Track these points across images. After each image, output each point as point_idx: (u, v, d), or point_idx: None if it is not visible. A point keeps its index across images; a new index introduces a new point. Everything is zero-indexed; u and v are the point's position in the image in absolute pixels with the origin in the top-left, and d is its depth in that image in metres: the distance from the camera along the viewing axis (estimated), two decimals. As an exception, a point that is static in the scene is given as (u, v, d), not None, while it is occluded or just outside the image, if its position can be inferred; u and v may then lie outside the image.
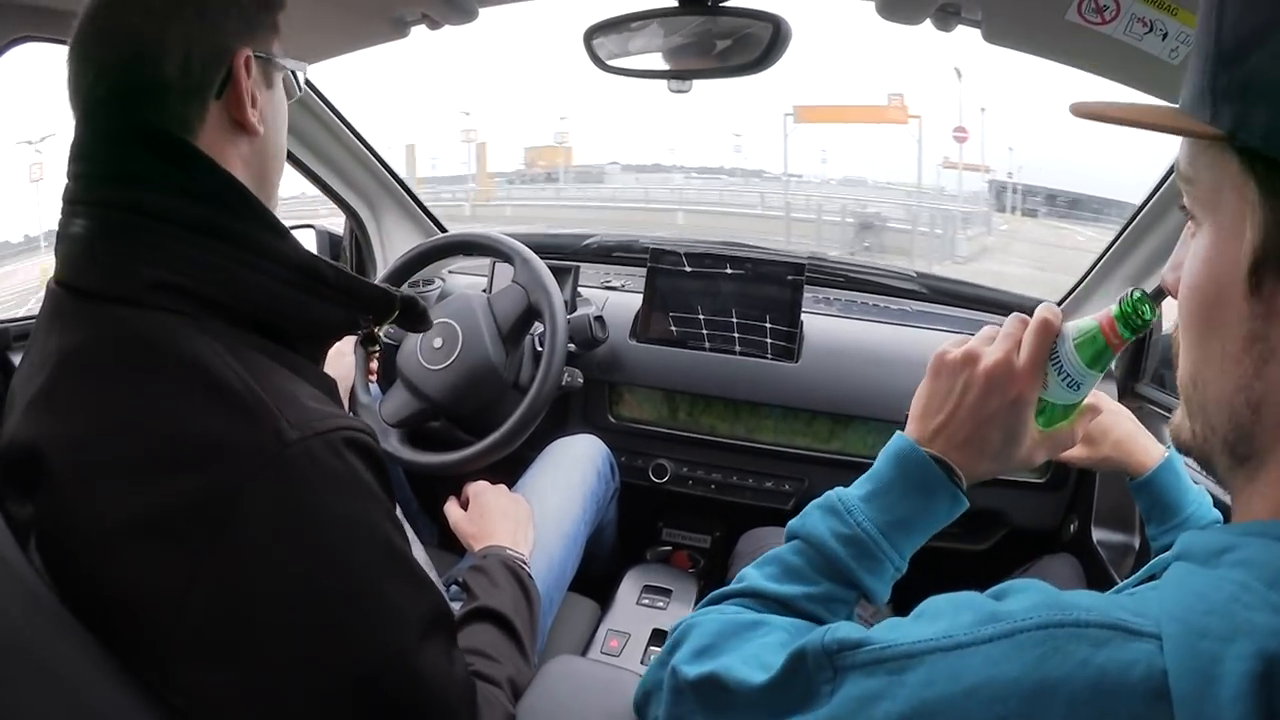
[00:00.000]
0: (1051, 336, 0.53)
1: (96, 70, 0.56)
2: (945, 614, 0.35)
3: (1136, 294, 0.51)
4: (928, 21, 0.90)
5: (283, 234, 0.58)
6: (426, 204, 1.65)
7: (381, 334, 0.68)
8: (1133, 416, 0.85)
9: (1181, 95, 0.36)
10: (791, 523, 0.57)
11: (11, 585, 0.45)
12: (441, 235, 1.32)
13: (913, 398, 0.58)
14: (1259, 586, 0.29)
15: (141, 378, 0.51)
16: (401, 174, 1.60)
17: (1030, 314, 0.54)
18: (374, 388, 1.29)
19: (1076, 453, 0.85)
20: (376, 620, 0.53)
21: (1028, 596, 0.33)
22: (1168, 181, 1.10)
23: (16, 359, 1.00)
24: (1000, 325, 0.56)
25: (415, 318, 0.69)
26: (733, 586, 0.56)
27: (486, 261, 1.44)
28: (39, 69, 0.95)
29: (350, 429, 0.54)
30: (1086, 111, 0.38)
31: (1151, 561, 0.61)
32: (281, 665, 0.49)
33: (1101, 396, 0.88)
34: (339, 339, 0.66)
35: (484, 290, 1.43)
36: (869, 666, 0.35)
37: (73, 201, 0.55)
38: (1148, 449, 0.82)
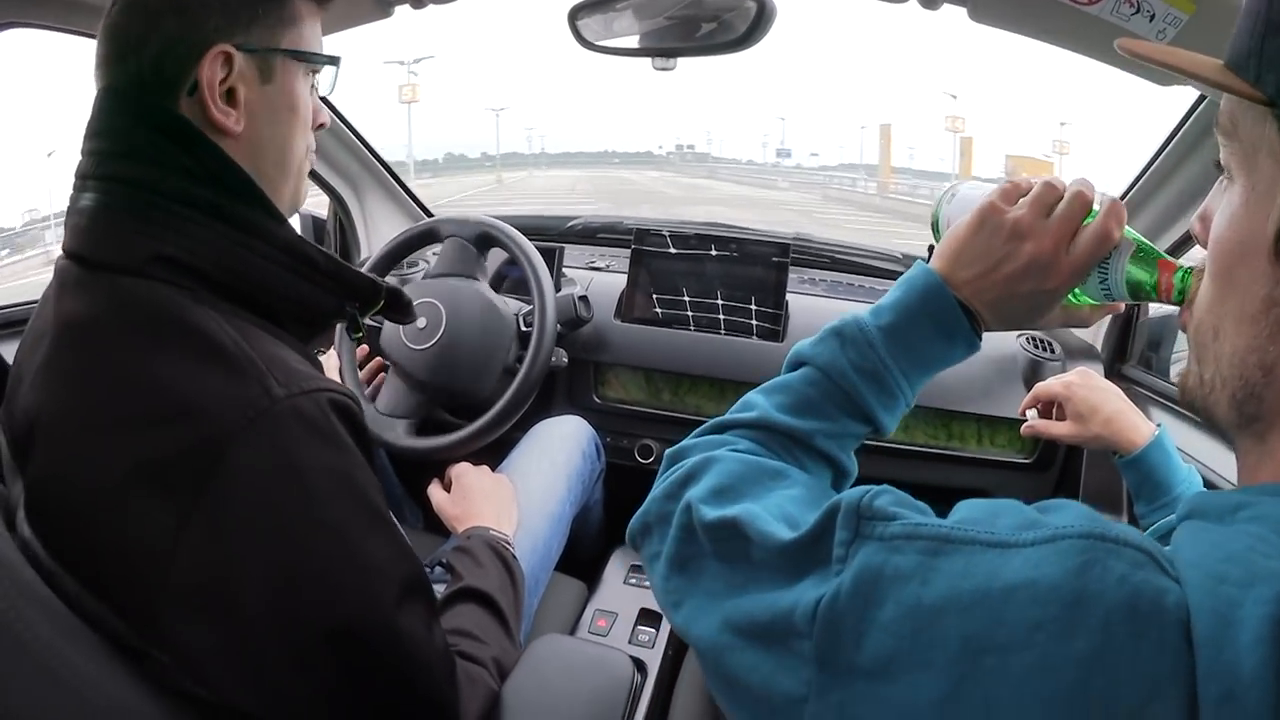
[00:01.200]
0: (1110, 247, 0.49)
1: (103, 58, 0.59)
2: (983, 514, 0.34)
3: (1191, 266, 0.48)
4: (913, 1, 0.90)
5: (279, 219, 0.61)
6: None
7: (365, 321, 0.69)
8: (1122, 394, 0.86)
9: (1227, 49, 0.35)
10: (800, 347, 0.53)
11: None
12: (428, 220, 1.31)
13: (946, 232, 0.55)
14: (1275, 538, 0.29)
15: (140, 341, 0.53)
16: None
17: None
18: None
19: (1066, 430, 0.87)
20: (356, 575, 0.54)
21: (1069, 512, 0.33)
22: (1187, 124, 1.05)
23: (3, 349, 1.02)
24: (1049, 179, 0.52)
25: (400, 309, 0.71)
26: (739, 414, 0.53)
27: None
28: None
29: (335, 392, 0.56)
30: (1131, 49, 0.38)
31: (1154, 526, 0.61)
32: (261, 615, 0.50)
33: (1090, 374, 0.89)
34: (329, 324, 0.67)
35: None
36: (898, 540, 0.34)
37: (84, 176, 0.58)
38: (1137, 426, 0.83)
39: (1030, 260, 0.50)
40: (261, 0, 0.60)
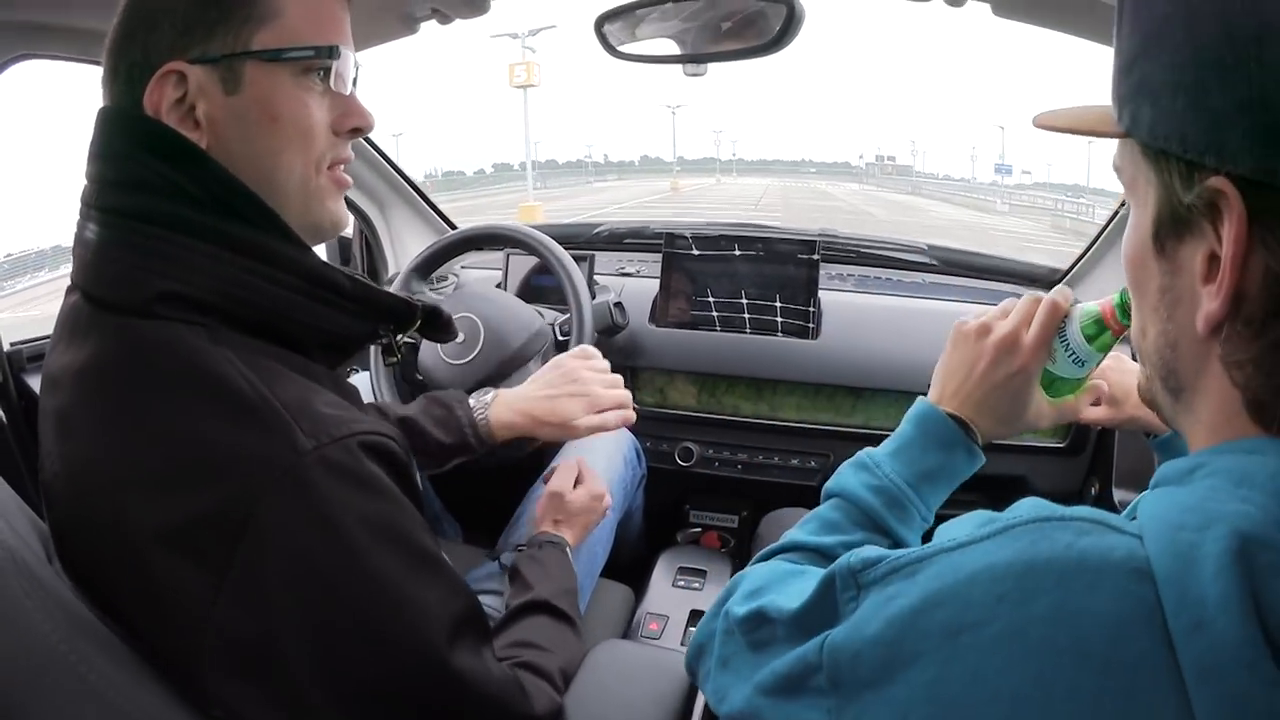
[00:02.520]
0: (1058, 318, 0.59)
1: (101, 79, 0.56)
2: (953, 528, 0.39)
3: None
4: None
5: (296, 242, 0.57)
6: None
7: (400, 343, 0.65)
8: None
9: None
10: (827, 484, 0.62)
11: (44, 601, 0.45)
12: (457, 231, 1.31)
13: (934, 367, 0.64)
14: (1227, 486, 0.33)
15: (155, 392, 0.50)
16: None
17: (1043, 285, 0.59)
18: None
19: (1101, 413, 0.86)
20: (403, 623, 0.52)
21: (1023, 506, 0.37)
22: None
23: (31, 380, 1.04)
24: (1019, 297, 0.62)
25: (440, 327, 0.68)
26: (776, 544, 0.60)
27: (497, 255, 1.44)
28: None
29: (367, 433, 0.53)
30: (1045, 124, 0.45)
31: (1131, 504, 0.64)
32: (309, 673, 0.49)
33: (1122, 358, 0.89)
34: (360, 349, 0.65)
35: (498, 284, 1.43)
36: (887, 577, 0.38)
37: (88, 205, 0.55)
38: None
39: (996, 347, 0.60)
40: (217, 4, 0.54)
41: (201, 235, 0.53)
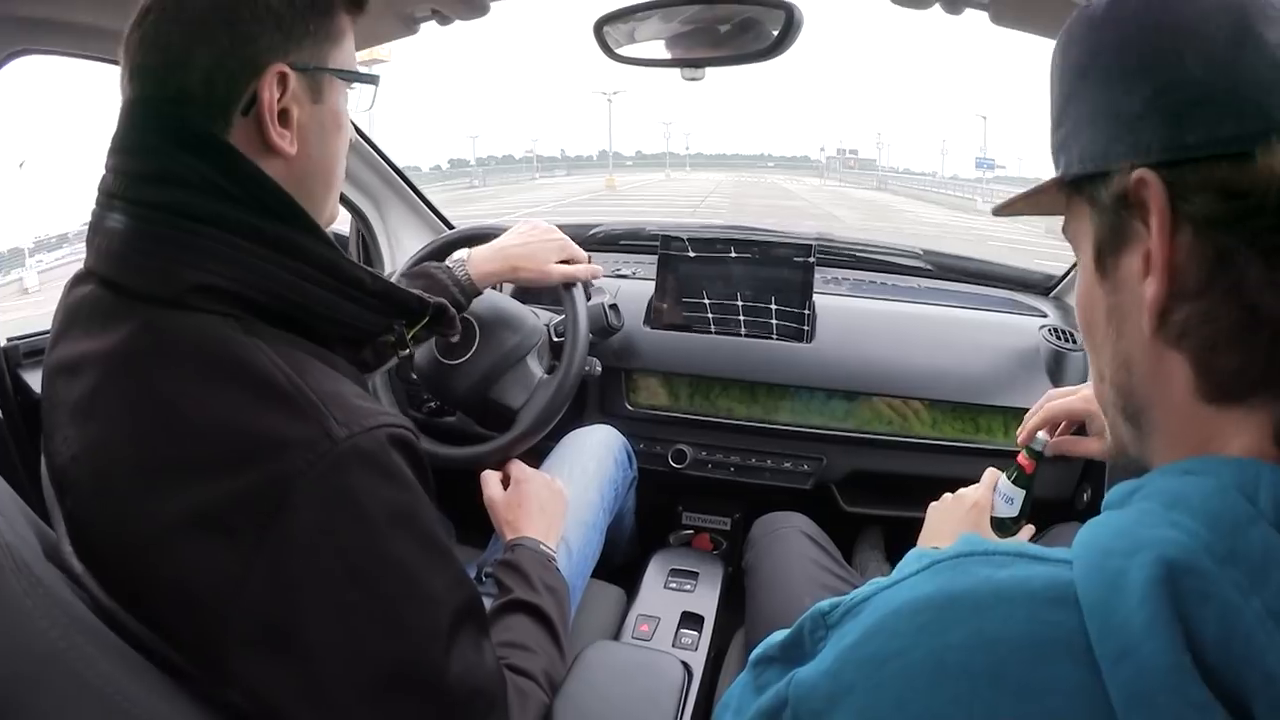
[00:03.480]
0: (994, 482, 0.90)
1: (134, 71, 0.57)
2: (897, 568, 0.41)
3: (1036, 440, 0.86)
4: (936, 6, 0.90)
5: (325, 240, 0.59)
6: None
7: (409, 337, 0.68)
8: None
9: None
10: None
11: (44, 600, 0.45)
12: (453, 230, 1.31)
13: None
14: (1159, 509, 0.33)
15: (191, 379, 0.52)
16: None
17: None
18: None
19: (1096, 446, 0.87)
20: (417, 609, 0.54)
21: (957, 543, 0.38)
22: None
23: (27, 375, 1.03)
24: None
25: (445, 322, 0.70)
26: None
27: None
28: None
29: (395, 426, 0.55)
30: (1004, 211, 0.49)
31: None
32: (329, 653, 0.50)
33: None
34: (374, 342, 0.67)
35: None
36: (843, 618, 0.39)
37: (111, 195, 0.56)
38: None
39: (957, 502, 0.88)
40: (312, 16, 0.58)
41: (238, 231, 0.55)
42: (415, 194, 1.61)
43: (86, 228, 0.58)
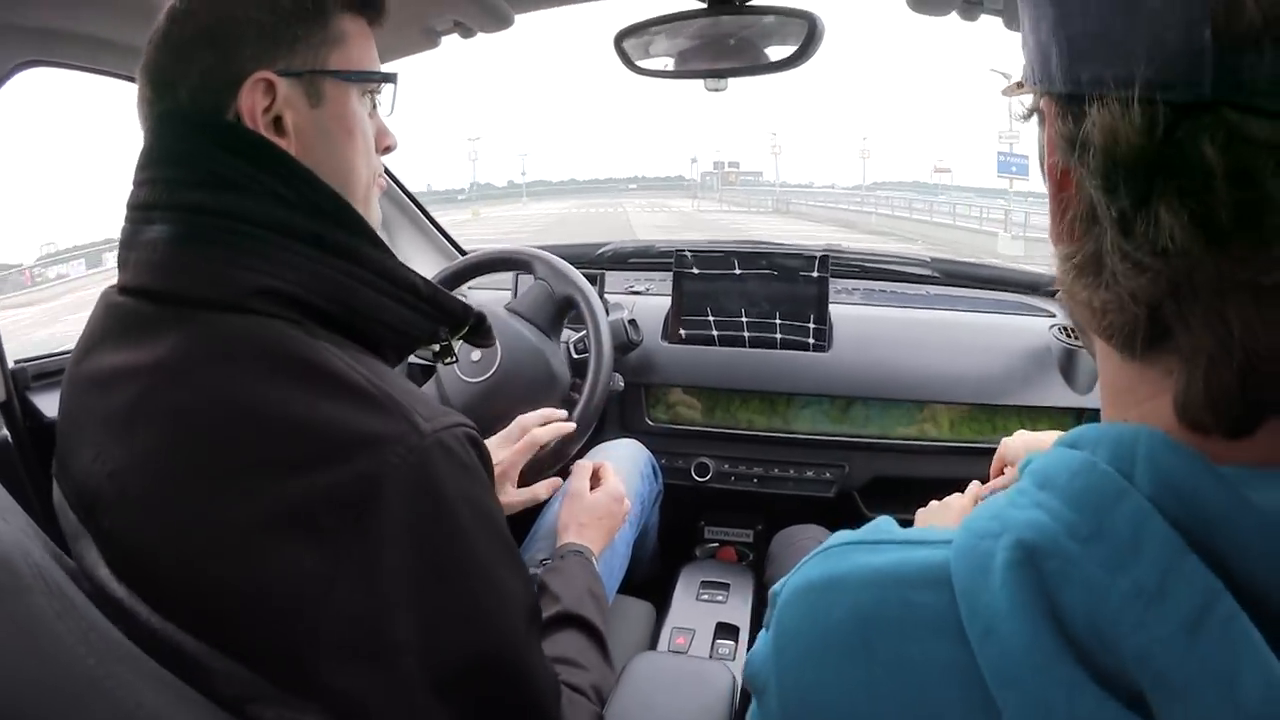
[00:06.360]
0: (977, 492, 0.82)
1: (144, 97, 0.58)
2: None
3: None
4: (953, 13, 0.93)
5: (381, 246, 0.59)
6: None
7: (454, 344, 0.68)
8: None
9: None
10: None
11: (78, 624, 0.43)
12: (467, 256, 1.32)
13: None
14: (1032, 488, 0.32)
15: (264, 379, 0.51)
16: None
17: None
18: None
19: None
20: (497, 606, 0.54)
21: (860, 529, 0.40)
22: None
23: (37, 400, 1.01)
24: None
25: (483, 333, 0.70)
26: None
27: (506, 275, 1.44)
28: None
29: (470, 425, 0.56)
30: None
31: None
32: (412, 651, 0.50)
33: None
34: (419, 347, 0.67)
35: (507, 304, 1.42)
36: (773, 602, 0.41)
37: (149, 207, 0.55)
38: None
39: (955, 513, 0.80)
40: (300, 22, 0.58)
41: (296, 235, 0.55)
42: (426, 218, 1.61)
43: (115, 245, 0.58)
